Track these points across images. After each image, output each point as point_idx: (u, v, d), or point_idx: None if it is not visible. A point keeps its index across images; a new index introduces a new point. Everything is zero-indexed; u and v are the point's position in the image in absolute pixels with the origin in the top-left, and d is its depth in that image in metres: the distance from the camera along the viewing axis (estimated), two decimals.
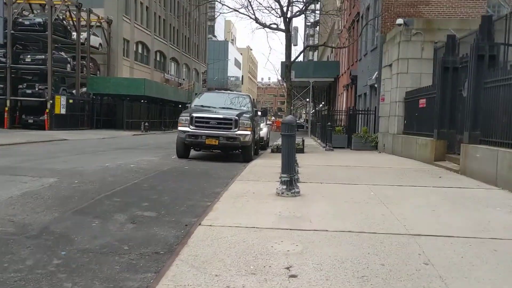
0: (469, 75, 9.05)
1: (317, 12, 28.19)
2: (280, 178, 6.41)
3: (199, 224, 4.59)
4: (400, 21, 15.38)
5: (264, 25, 16.63)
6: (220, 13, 17.15)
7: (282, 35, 16.44)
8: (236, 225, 4.60)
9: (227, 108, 12.90)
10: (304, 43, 56.31)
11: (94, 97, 34.44)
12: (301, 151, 15.52)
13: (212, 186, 7.60)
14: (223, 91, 15.23)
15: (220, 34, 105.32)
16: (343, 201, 6.03)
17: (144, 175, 8.71)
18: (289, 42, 16.13)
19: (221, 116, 11.91)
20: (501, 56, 9.09)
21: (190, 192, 7.04)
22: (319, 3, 30.39)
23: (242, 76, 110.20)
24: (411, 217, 5.18)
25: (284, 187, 6.27)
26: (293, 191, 6.26)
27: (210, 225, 4.57)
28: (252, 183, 7.48)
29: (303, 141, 16.42)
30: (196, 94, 15.50)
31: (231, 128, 11.69)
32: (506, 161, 7.09)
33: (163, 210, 5.63)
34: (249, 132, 11.85)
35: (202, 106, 13.01)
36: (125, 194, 6.66)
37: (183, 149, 12.15)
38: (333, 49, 39.84)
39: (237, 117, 11.80)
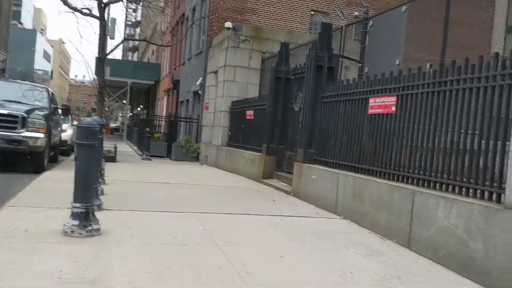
0: (306, 87, 8.22)
1: (140, 5, 26.02)
2: (71, 208, 4.32)
3: None
4: (229, 24, 14.37)
5: (74, 9, 13.91)
6: None
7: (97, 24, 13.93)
8: None
9: (16, 102, 9.95)
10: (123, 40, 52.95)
11: None
12: (113, 159, 13.26)
13: None
14: (11, 79, 11.99)
15: (28, 22, 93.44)
16: (164, 244, 4.26)
17: None
18: (104, 31, 13.73)
19: (4, 112, 8.99)
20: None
21: None
22: None
23: (52, 70, 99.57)
24: (258, 271, 3.69)
25: (76, 222, 4.21)
26: (90, 228, 4.24)
27: None
28: (30, 211, 5.18)
29: (115, 147, 14.14)
30: None
31: (16, 128, 8.86)
32: (349, 187, 6.24)
33: None
34: (41, 135, 9.18)
35: None
36: None
37: None
38: (154, 51, 37.91)
39: (25, 114, 9.03)
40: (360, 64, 8.57)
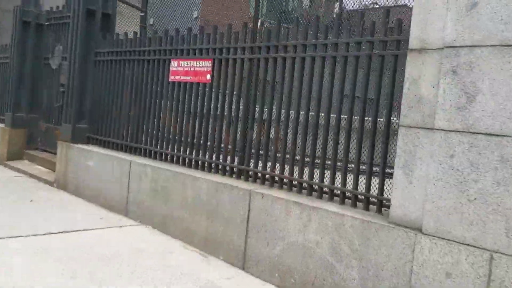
0: (72, 39, 5.99)
1: None
2: None
3: None
4: None
5: None
6: None
7: None
8: None
9: None
10: None
11: None
12: None
13: None
14: None
15: None
16: None
17: None
18: None
19: None
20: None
21: None
22: None
23: None
24: None
25: None
26: None
27: None
28: None
29: None
30: None
31: None
32: (148, 181, 4.62)
33: None
34: None
35: None
36: None
37: None
38: None
39: None
40: (143, 13, 6.78)
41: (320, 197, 3.43)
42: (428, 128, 2.68)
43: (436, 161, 2.60)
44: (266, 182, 3.82)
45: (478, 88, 2.47)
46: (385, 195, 3.12)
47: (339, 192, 3.33)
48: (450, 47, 2.58)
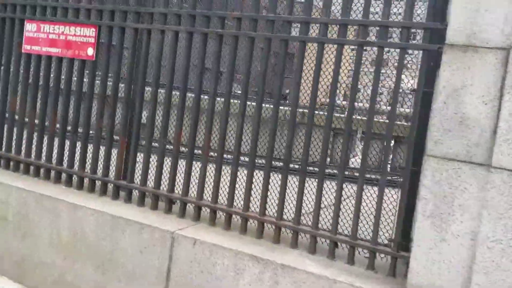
0: None
1: None
2: None
3: None
4: None
5: None
6: None
7: None
8: None
9: None
10: None
11: None
12: None
13: None
14: None
15: None
16: None
17: None
18: None
19: None
20: None
21: None
22: None
23: None
24: None
25: None
26: None
27: None
28: None
29: None
30: None
31: None
32: (13, 208, 3.03)
33: None
34: None
35: None
36: None
37: None
38: None
39: None
40: None
41: (277, 241, 2.41)
42: (476, 164, 1.84)
43: (493, 214, 1.79)
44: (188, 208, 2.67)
45: None
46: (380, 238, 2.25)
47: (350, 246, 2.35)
48: None
